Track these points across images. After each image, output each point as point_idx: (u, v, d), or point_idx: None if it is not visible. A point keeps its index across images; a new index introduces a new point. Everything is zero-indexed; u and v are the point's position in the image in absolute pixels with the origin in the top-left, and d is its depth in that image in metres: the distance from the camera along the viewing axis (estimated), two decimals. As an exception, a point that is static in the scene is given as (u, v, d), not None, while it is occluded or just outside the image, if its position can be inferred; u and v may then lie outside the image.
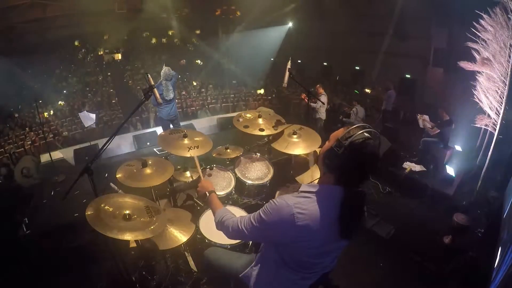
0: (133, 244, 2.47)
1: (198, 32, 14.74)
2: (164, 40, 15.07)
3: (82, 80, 12.46)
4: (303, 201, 1.13)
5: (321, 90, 6.24)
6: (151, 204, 2.05)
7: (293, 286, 1.31)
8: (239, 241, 2.15)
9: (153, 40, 15.35)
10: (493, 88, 4.11)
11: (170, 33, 14.85)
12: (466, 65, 4.42)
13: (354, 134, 1.11)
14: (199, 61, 13.63)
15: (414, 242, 3.40)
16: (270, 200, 1.19)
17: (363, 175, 1.16)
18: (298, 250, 1.18)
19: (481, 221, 3.70)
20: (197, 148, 2.54)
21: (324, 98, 6.18)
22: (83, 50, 12.40)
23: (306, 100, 5.08)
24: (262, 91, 11.23)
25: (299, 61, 12.56)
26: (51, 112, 9.32)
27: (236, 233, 1.32)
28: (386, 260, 3.12)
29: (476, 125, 4.52)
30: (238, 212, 2.42)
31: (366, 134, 1.12)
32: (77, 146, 6.11)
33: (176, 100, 6.47)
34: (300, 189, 1.20)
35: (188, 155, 2.47)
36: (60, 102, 10.36)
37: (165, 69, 4.87)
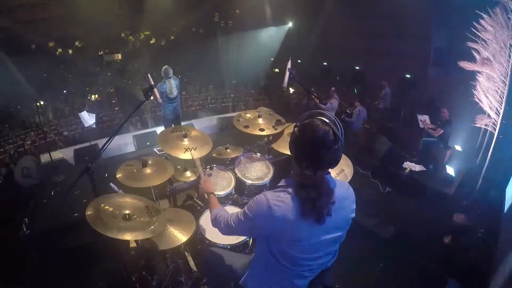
0: (133, 244, 2.47)
1: (198, 32, 14.66)
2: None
3: (82, 80, 12.47)
4: (280, 194, 1.19)
5: (335, 94, 6.23)
6: (151, 204, 2.05)
7: (290, 285, 1.31)
8: (239, 241, 2.16)
9: (153, 40, 15.26)
10: (493, 88, 4.12)
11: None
12: (466, 65, 4.43)
13: (304, 120, 1.23)
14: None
15: (414, 242, 3.40)
16: (254, 196, 1.26)
17: (316, 155, 1.17)
18: (286, 244, 1.21)
19: (481, 221, 3.70)
20: (195, 149, 2.54)
21: (335, 103, 6.16)
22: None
23: (317, 101, 5.19)
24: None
25: (299, 61, 12.56)
26: (50, 114, 9.32)
27: (226, 228, 1.40)
28: (386, 260, 3.12)
29: (476, 125, 4.53)
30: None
31: (316, 118, 1.21)
32: (77, 146, 6.11)
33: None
34: (279, 184, 1.26)
35: (185, 157, 2.47)
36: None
37: (163, 68, 5.07)
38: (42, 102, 10.14)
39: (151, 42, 15.07)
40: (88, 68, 13.08)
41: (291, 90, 10.07)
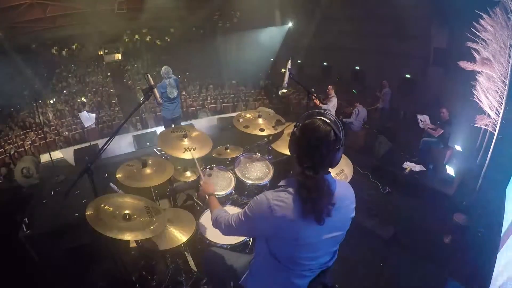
0: (133, 244, 2.47)
1: (199, 32, 14.65)
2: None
3: (82, 80, 12.49)
4: (281, 194, 1.19)
5: (332, 92, 6.14)
6: (151, 204, 2.05)
7: (290, 285, 1.31)
8: (239, 241, 2.15)
9: (152, 40, 15.22)
10: (493, 88, 4.11)
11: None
12: (466, 65, 4.42)
13: (305, 120, 1.22)
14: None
15: (414, 242, 3.40)
16: (255, 196, 1.26)
17: (317, 156, 1.17)
18: (286, 244, 1.21)
19: (481, 221, 3.70)
20: (195, 149, 2.54)
21: (334, 100, 6.09)
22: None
23: (318, 102, 5.16)
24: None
25: (299, 61, 12.56)
26: (50, 114, 9.32)
27: (227, 229, 1.40)
28: (386, 261, 3.11)
29: (476, 125, 4.52)
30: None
31: (316, 118, 1.21)
32: (77, 146, 6.12)
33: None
34: (279, 184, 1.26)
35: (186, 156, 2.47)
36: (84, 97, 10.81)
37: (163, 68, 5.10)
38: (51, 101, 10.18)
39: (151, 42, 15.06)
40: (88, 68, 13.10)
41: (285, 90, 10.10)
